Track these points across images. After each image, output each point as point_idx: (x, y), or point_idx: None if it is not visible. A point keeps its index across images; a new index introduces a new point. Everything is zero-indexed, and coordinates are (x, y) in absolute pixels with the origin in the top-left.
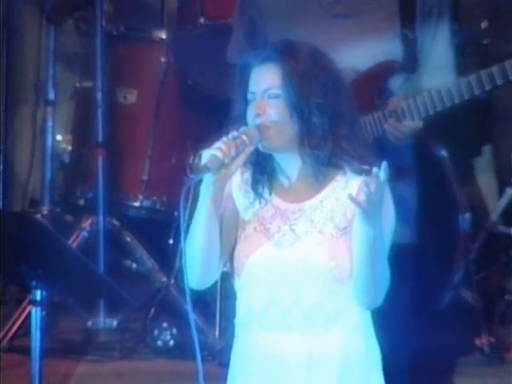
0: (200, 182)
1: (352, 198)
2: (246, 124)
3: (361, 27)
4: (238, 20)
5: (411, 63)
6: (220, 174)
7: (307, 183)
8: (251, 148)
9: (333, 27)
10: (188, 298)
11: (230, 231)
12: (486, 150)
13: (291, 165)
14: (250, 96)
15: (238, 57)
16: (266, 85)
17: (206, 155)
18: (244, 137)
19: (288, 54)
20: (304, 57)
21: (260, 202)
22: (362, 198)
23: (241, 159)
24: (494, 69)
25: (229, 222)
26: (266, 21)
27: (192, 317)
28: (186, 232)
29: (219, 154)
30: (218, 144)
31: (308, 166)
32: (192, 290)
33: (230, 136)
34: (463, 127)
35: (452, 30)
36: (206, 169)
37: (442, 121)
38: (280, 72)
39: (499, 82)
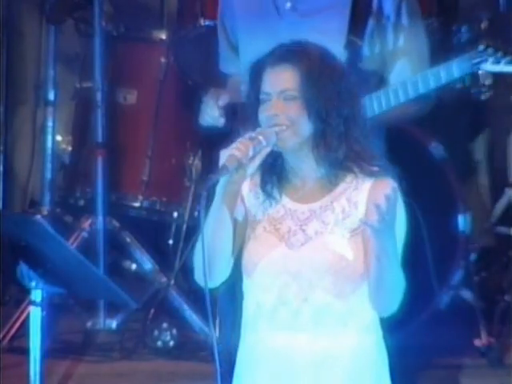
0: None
1: (364, 222)
2: (257, 123)
3: (315, 32)
4: (220, 29)
5: (354, 69)
6: (237, 175)
7: (318, 184)
8: (268, 149)
9: (289, 33)
10: (207, 299)
11: (240, 232)
12: (485, 149)
13: (303, 165)
14: (263, 96)
15: (225, 66)
16: (282, 86)
17: (224, 155)
18: (260, 137)
19: (303, 56)
20: (318, 59)
21: (270, 203)
22: (373, 217)
23: (257, 160)
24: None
25: (239, 222)
26: (238, 31)
27: (211, 320)
28: (197, 233)
29: (237, 154)
30: (236, 144)
31: (321, 167)
32: (197, 288)
33: (247, 136)
34: (461, 128)
35: (421, 31)
36: (225, 168)
37: (439, 122)
38: (297, 74)
39: (403, 99)
